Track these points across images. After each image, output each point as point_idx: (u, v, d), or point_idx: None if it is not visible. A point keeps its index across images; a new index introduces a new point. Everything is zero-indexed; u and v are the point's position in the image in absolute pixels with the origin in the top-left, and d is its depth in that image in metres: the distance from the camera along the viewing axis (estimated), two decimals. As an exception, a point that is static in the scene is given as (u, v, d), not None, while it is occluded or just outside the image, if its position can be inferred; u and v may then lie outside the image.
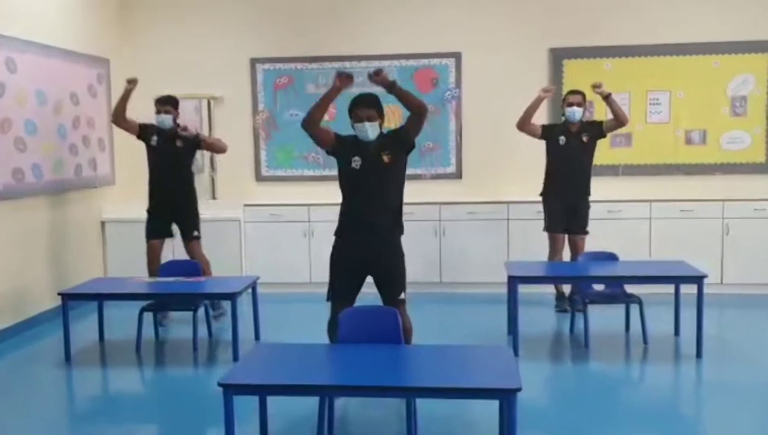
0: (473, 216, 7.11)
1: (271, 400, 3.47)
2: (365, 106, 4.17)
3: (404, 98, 4.19)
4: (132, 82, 6.01)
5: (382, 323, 3.66)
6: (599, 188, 6.49)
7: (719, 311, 6.35)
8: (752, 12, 7.08)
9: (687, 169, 7.26)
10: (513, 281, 5.21)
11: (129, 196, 7.37)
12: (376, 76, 4.16)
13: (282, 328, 6.01)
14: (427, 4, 7.37)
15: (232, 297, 5.05)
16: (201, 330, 5.49)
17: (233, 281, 5.55)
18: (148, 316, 5.51)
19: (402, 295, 4.26)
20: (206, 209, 7.46)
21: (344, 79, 4.19)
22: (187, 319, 5.48)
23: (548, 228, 6.34)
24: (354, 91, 4.38)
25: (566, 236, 6.30)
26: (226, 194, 7.68)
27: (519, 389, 2.89)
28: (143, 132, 6.11)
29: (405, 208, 4.33)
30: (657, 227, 6.96)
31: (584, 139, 6.18)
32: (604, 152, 6.57)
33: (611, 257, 5.63)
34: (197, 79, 7.57)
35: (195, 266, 5.66)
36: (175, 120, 6.08)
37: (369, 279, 4.29)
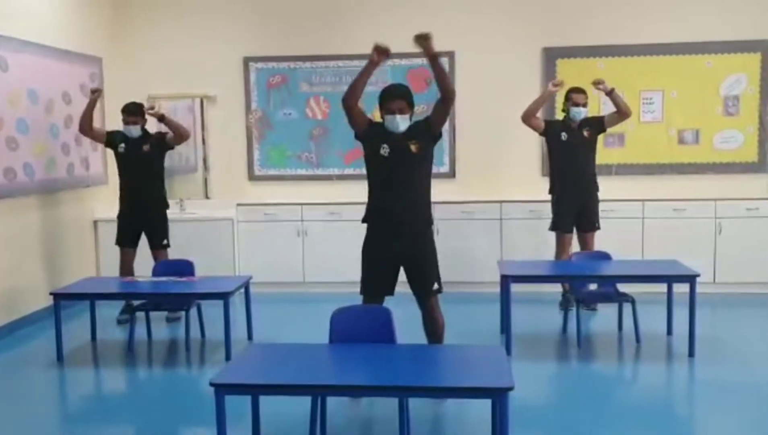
0: (467, 215, 7.11)
1: (264, 400, 3.46)
2: (398, 98, 4.15)
3: (440, 75, 4.11)
4: (96, 93, 6.09)
5: (374, 322, 3.65)
6: (593, 188, 6.49)
7: (712, 310, 6.36)
8: (745, 12, 7.10)
9: (680, 168, 7.27)
10: (506, 280, 5.20)
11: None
12: (425, 40, 3.95)
13: (275, 327, 6.00)
14: (420, 3, 7.36)
15: (224, 297, 5.03)
16: (194, 330, 5.48)
17: (226, 281, 5.54)
18: (140, 316, 5.50)
19: (435, 286, 4.23)
20: (199, 209, 7.48)
21: (381, 52, 4.11)
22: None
23: (556, 227, 6.30)
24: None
25: (574, 235, 6.26)
26: (219, 194, 7.67)
27: (511, 388, 2.88)
28: (110, 139, 6.19)
29: None
30: (650, 226, 6.97)
31: (585, 134, 6.18)
32: (597, 152, 6.55)
33: (604, 256, 5.65)
34: (190, 78, 7.57)
35: (188, 266, 5.64)
36: (143, 127, 6.15)
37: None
